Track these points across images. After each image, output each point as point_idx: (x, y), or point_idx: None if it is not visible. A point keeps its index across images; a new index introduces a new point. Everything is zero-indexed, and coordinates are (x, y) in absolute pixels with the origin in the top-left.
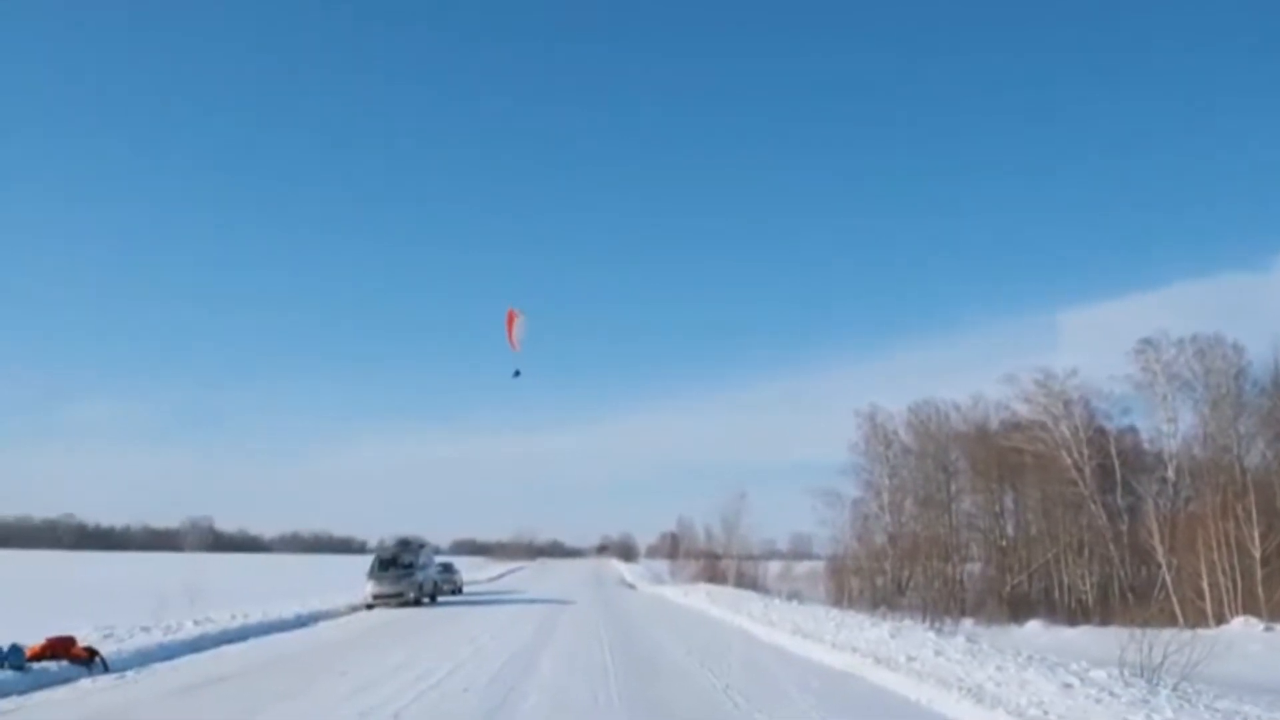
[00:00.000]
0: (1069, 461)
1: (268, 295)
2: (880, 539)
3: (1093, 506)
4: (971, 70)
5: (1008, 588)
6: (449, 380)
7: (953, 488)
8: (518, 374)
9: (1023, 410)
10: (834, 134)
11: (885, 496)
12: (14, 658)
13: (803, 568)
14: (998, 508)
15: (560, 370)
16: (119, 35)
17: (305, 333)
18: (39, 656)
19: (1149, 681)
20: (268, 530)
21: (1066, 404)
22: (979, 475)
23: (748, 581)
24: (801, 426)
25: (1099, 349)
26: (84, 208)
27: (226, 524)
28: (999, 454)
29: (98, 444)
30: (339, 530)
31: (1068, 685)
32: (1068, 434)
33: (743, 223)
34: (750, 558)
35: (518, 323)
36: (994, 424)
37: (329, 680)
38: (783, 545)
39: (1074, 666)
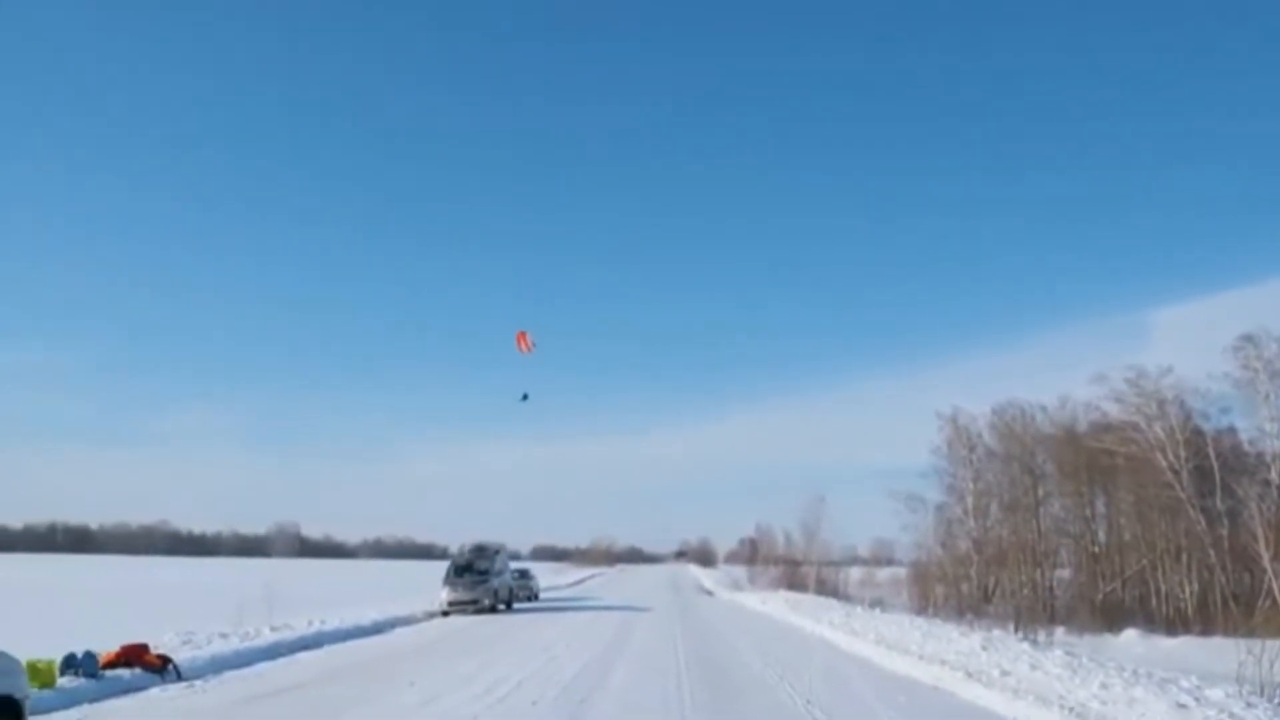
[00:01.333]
0: (1164, 464)
1: (353, 301)
2: (965, 544)
3: (1190, 511)
4: (1052, 67)
5: (1100, 595)
6: (531, 386)
7: (1040, 491)
8: (525, 397)
9: (1114, 411)
10: (914, 134)
11: (969, 500)
12: (87, 665)
13: (885, 574)
14: (1088, 512)
15: (639, 376)
16: (202, 41)
17: (389, 339)
18: (113, 664)
19: (1270, 701)
20: (352, 536)
21: (1160, 404)
22: (1067, 479)
23: (828, 588)
24: (882, 430)
25: (1194, 347)
26: (167, 218)
27: (312, 530)
28: (1089, 456)
29: (190, 452)
30: (421, 536)
31: (1182, 706)
32: (1162, 435)
33: (818, 224)
34: (831, 563)
35: (527, 342)
36: (1083, 425)
37: (397, 691)
38: (864, 551)
39: (1185, 684)
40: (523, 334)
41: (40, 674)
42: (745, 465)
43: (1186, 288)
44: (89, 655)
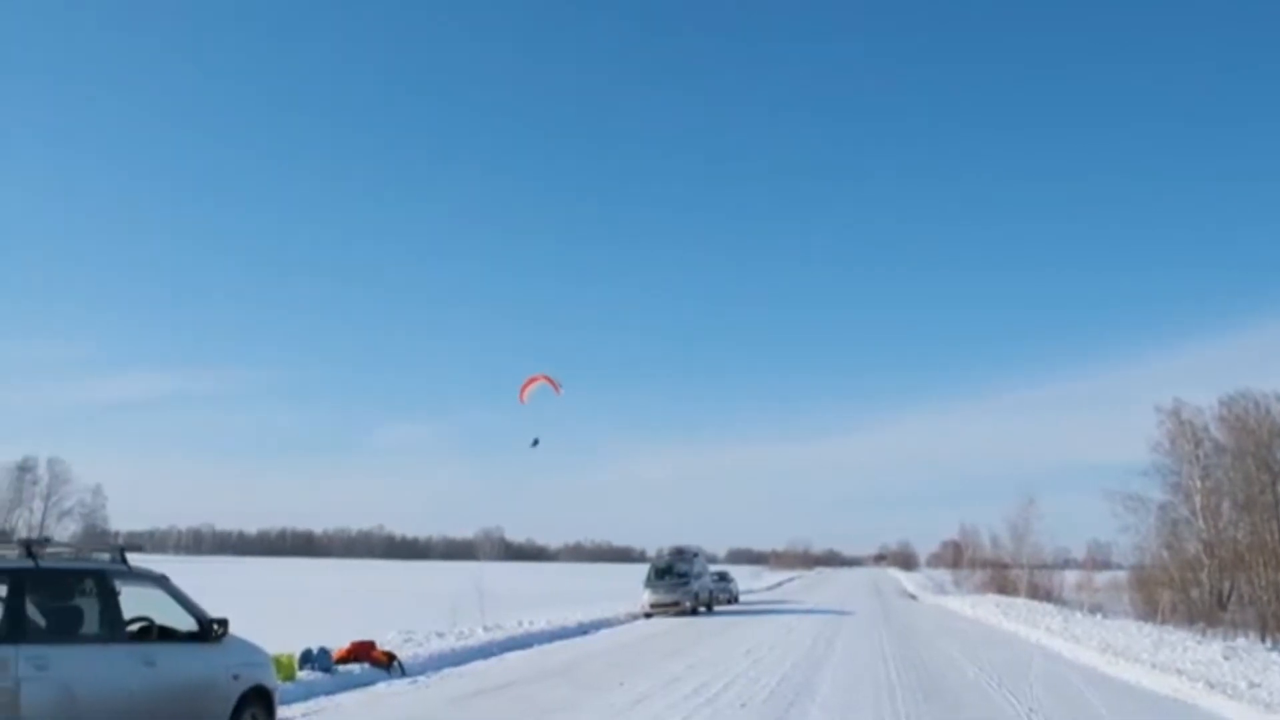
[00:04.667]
0: None
1: (553, 314)
2: (1193, 547)
3: None
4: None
5: None
6: (726, 390)
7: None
8: (536, 443)
9: None
10: (1149, 135)
11: (1197, 500)
12: (322, 660)
13: (1102, 578)
14: None
15: (836, 378)
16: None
17: (589, 347)
18: (344, 659)
19: None
20: (553, 540)
21: None
22: None
23: (1041, 593)
24: (1097, 426)
25: None
26: (375, 240)
27: (516, 534)
28: None
29: (404, 463)
30: (619, 540)
31: None
32: None
33: (1036, 224)
34: (1042, 567)
35: (545, 385)
36: None
37: (607, 691)
38: (1078, 554)
39: None
40: (547, 378)
41: (283, 667)
42: (947, 467)
43: None
44: (323, 651)
